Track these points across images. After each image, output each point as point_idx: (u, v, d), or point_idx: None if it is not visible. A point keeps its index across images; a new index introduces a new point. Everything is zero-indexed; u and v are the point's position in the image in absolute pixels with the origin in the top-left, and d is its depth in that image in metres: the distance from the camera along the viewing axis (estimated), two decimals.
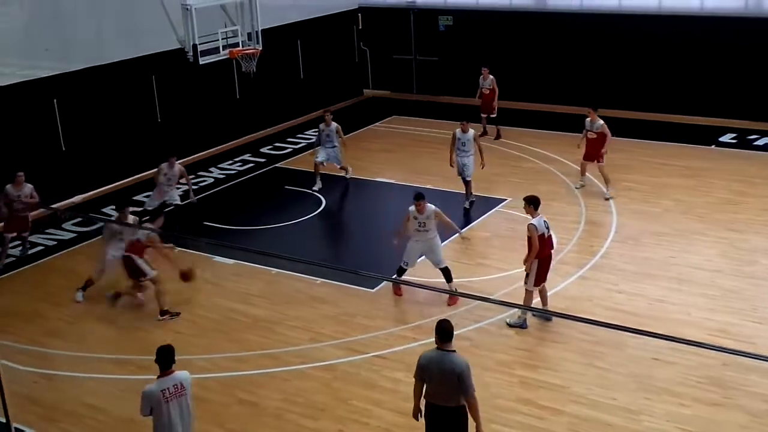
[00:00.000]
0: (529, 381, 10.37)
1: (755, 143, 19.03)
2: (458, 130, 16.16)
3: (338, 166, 17.72)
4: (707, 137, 19.52)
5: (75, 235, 15.53)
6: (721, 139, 19.47)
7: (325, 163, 17.47)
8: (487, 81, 20.10)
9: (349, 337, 11.55)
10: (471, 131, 16.17)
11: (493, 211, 15.79)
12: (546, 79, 22.83)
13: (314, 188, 17.40)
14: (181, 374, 8.05)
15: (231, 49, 17.13)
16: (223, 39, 17.01)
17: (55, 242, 15.35)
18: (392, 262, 13.75)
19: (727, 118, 20.40)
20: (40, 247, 15.13)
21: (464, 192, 16.19)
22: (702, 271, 12.90)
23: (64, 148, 17.20)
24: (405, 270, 12.46)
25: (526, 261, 11.57)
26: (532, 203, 11.65)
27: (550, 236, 11.67)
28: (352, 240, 15.65)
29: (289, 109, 22.21)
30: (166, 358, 8.00)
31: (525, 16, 23.08)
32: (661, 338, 10.25)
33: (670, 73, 21.21)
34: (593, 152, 16.31)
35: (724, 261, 13.38)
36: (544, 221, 11.57)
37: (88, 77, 17.43)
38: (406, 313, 12.08)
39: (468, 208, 16.05)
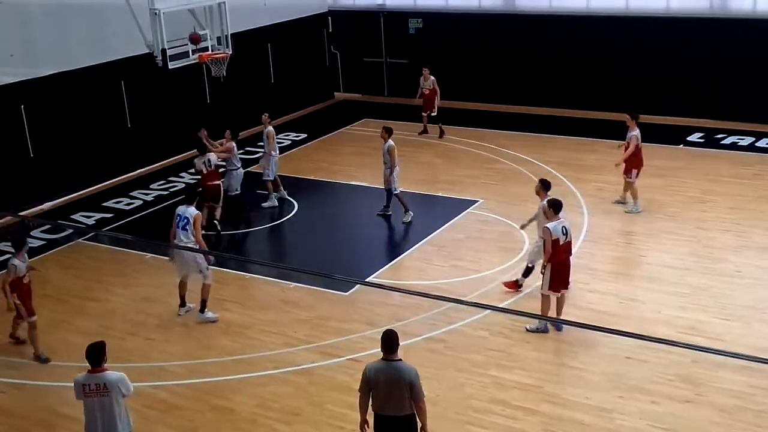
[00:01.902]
0: (502, 381, 10.42)
1: (722, 142, 19.27)
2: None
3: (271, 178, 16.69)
4: (676, 137, 19.73)
5: (44, 242, 15.34)
6: (689, 138, 19.70)
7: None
8: (428, 82, 20.41)
9: (324, 340, 11.53)
10: (386, 143, 15.49)
11: (465, 212, 15.85)
12: (516, 81, 22.95)
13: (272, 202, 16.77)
14: (110, 375, 8.13)
15: (201, 54, 17.04)
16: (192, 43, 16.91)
17: None
18: (365, 266, 13.79)
19: (694, 118, 20.65)
20: (8, 255, 14.88)
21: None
22: (672, 270, 13.04)
23: (32, 155, 17.01)
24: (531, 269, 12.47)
25: (541, 267, 11.45)
26: (552, 206, 11.47)
27: (568, 242, 11.38)
28: (325, 244, 15.62)
29: (261, 114, 22.03)
30: (93, 357, 8.13)
31: (494, 18, 23.20)
32: (633, 337, 10.41)
33: (637, 74, 21.40)
34: (627, 164, 15.49)
35: (693, 259, 13.53)
36: (563, 226, 11.30)
37: (56, 83, 17.25)
38: (380, 316, 12.08)
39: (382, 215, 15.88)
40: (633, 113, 15.54)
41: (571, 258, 11.58)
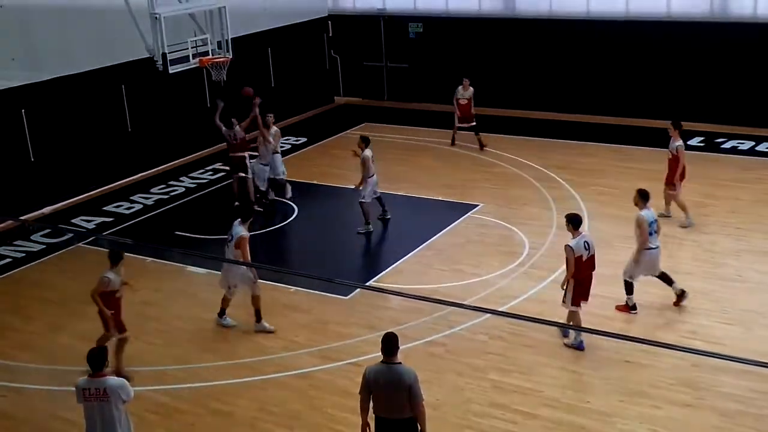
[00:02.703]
0: (502, 385, 10.41)
1: (722, 146, 19.28)
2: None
3: (281, 177, 17.05)
4: None
5: (44, 246, 15.34)
6: (689, 142, 19.62)
7: (284, 174, 17.10)
8: (468, 92, 19.75)
9: (324, 344, 11.52)
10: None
11: (465, 216, 15.85)
12: (516, 85, 22.98)
13: (265, 201, 17.03)
14: (111, 380, 8.14)
15: (201, 58, 17.06)
16: (192, 47, 16.93)
17: (24, 254, 15.16)
18: (365, 270, 13.79)
19: (694, 122, 20.63)
20: (9, 260, 14.94)
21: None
22: (673, 274, 12.99)
23: (32, 159, 17.02)
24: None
25: (563, 282, 11.23)
26: (571, 222, 11.18)
27: (591, 257, 11.14)
28: (325, 247, 15.62)
29: (261, 118, 22.08)
30: (94, 361, 8.13)
31: (494, 22, 23.22)
32: (633, 341, 10.40)
33: (638, 78, 21.44)
34: (669, 176, 14.89)
35: (694, 263, 13.53)
36: (585, 242, 11.05)
37: (57, 87, 17.26)
38: (380, 320, 12.07)
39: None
40: (676, 123, 14.92)
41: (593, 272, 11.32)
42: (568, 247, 11.03)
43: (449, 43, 23.83)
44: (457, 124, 19.93)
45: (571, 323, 11.20)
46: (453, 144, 20.11)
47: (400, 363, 7.99)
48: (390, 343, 8.00)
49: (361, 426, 8.20)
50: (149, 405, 10.31)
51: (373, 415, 8.13)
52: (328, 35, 25.03)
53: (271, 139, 16.59)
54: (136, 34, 15.91)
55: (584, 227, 14.91)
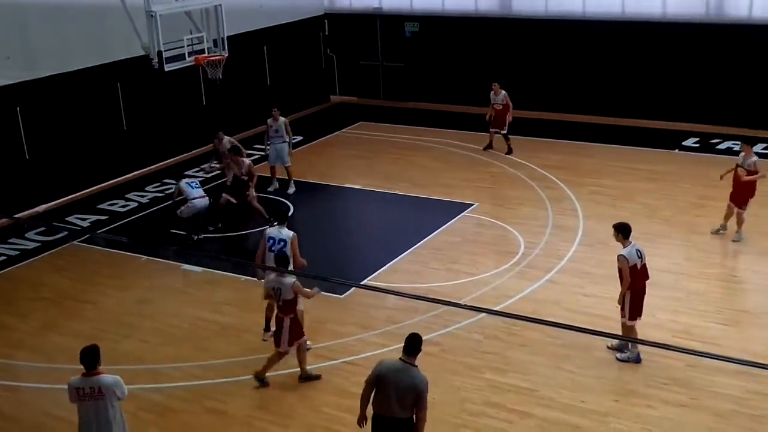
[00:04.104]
0: (497, 385, 10.42)
1: (717, 147, 19.31)
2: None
3: (285, 165, 17.57)
4: (671, 141, 19.79)
5: (38, 244, 15.30)
6: (684, 143, 19.74)
7: (276, 166, 17.58)
8: (500, 96, 19.15)
9: (319, 343, 11.51)
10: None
11: (461, 215, 15.85)
12: (511, 85, 22.90)
13: (269, 189, 17.60)
14: (105, 378, 8.09)
15: (197, 56, 17.03)
16: (188, 46, 16.89)
17: (19, 252, 15.12)
18: (360, 269, 13.79)
19: (690, 123, 20.70)
20: (3, 257, 14.89)
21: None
22: (667, 274, 13.05)
23: (27, 157, 16.97)
24: None
25: (620, 296, 10.69)
26: (621, 231, 10.64)
27: (644, 265, 10.66)
28: (320, 246, 15.59)
29: (256, 116, 22.07)
30: (87, 360, 8.09)
31: (490, 21, 23.23)
32: (628, 341, 10.41)
33: (633, 78, 21.47)
34: (739, 194, 14.10)
35: (688, 263, 13.55)
36: (637, 250, 10.56)
37: (52, 85, 17.21)
38: (375, 320, 12.07)
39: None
40: (747, 139, 14.66)
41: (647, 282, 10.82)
42: (621, 257, 10.48)
43: (445, 43, 23.83)
44: (491, 130, 19.42)
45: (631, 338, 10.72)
46: (486, 149, 19.53)
47: (416, 366, 7.93)
48: (413, 344, 7.94)
49: (359, 417, 8.19)
50: (144, 404, 10.29)
51: (372, 411, 8.10)
52: (324, 34, 25.02)
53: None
54: (131, 31, 15.88)
55: (579, 227, 15.04)
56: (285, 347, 10.34)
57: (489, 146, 19.62)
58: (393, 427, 7.99)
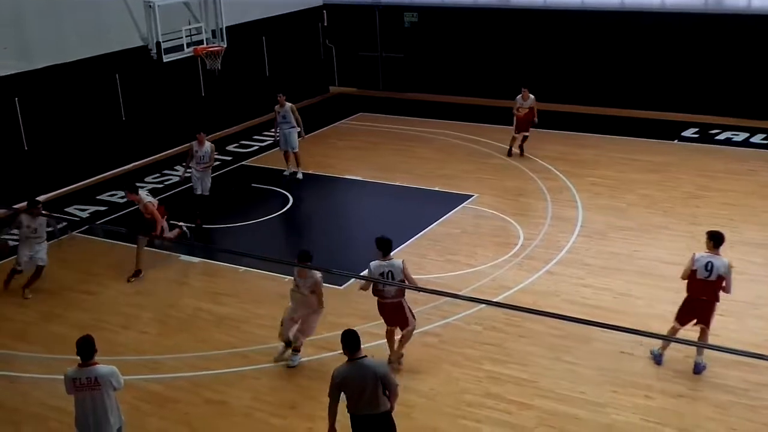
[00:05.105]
0: (497, 376, 10.43)
1: (717, 138, 19.30)
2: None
3: (293, 151, 17.71)
4: (670, 132, 19.78)
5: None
6: (683, 133, 19.73)
7: (289, 150, 17.71)
8: (528, 101, 18.33)
9: (318, 334, 11.49)
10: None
11: (460, 207, 15.85)
12: (510, 75, 22.92)
13: (284, 173, 17.81)
14: (101, 369, 8.10)
15: (195, 47, 17.05)
16: (187, 36, 16.91)
17: (17, 242, 15.07)
18: (359, 260, 13.78)
19: (689, 113, 20.68)
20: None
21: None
22: (666, 265, 13.06)
23: (26, 148, 16.95)
24: None
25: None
26: (713, 239, 10.25)
27: (707, 281, 10.02)
28: (319, 237, 15.60)
29: (255, 107, 22.08)
30: (83, 350, 8.10)
31: (489, 12, 23.18)
32: (627, 332, 10.38)
33: (632, 69, 21.44)
34: None
35: (687, 254, 13.38)
36: (709, 262, 10.00)
37: (51, 76, 17.18)
38: (374, 310, 12.03)
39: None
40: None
41: (715, 301, 10.23)
42: (693, 256, 10.24)
43: (444, 33, 23.78)
44: (514, 134, 18.57)
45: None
46: (510, 155, 18.60)
47: (365, 356, 7.94)
48: (351, 339, 7.91)
49: (329, 430, 8.07)
50: (143, 394, 10.31)
51: (348, 415, 8.03)
52: (323, 25, 24.96)
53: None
54: (130, 22, 15.87)
55: (578, 218, 15.02)
56: (413, 322, 10.50)
57: (510, 153, 18.67)
58: (374, 424, 7.97)
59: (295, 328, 10.76)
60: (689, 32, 20.70)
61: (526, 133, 18.50)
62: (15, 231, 13.32)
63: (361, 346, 8.00)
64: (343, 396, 8.00)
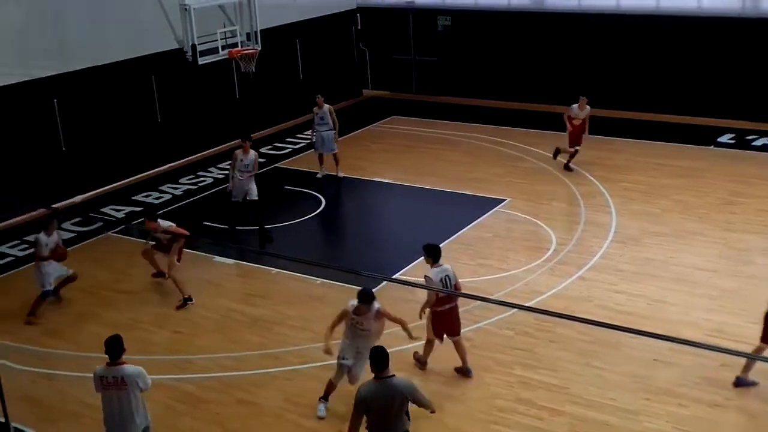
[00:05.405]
0: (528, 381, 10.40)
1: (753, 144, 19.06)
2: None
3: (331, 153, 17.81)
4: (706, 137, 19.56)
5: (74, 234, 15.51)
6: (719, 139, 19.51)
7: (324, 154, 17.78)
8: (584, 111, 17.48)
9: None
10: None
11: (492, 211, 15.82)
12: (544, 79, 22.86)
13: (318, 176, 17.89)
14: (128, 369, 8.15)
15: (230, 50, 17.18)
16: (222, 39, 17.04)
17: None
18: (392, 262, 13.82)
19: (725, 119, 20.45)
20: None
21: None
22: (700, 272, 12.94)
23: (64, 148, 17.21)
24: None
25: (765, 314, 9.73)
26: None
27: None
28: (351, 240, 15.68)
29: (289, 110, 22.22)
30: (111, 349, 8.17)
31: (523, 16, 23.11)
32: (660, 338, 10.28)
33: (668, 74, 21.24)
34: None
35: (722, 261, 13.41)
36: None
37: (88, 77, 17.43)
38: (404, 314, 12.03)
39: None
40: None
41: None
42: None
43: (478, 36, 23.74)
44: (569, 148, 17.62)
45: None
46: (567, 168, 17.73)
47: (393, 376, 7.60)
48: (380, 357, 7.55)
49: None
50: (176, 394, 10.42)
51: None
52: (357, 28, 25.04)
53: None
54: (166, 25, 16.03)
55: (611, 224, 14.91)
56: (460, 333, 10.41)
57: (568, 167, 17.74)
58: None
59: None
60: (726, 36, 20.47)
61: (578, 147, 17.61)
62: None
63: (388, 365, 7.63)
64: None
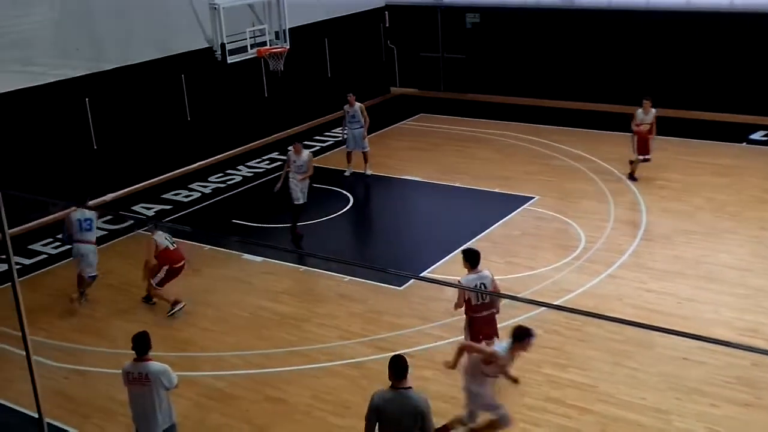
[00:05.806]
0: (557, 380, 10.35)
1: None
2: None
3: (362, 151, 17.88)
4: (738, 134, 19.32)
5: (105, 232, 15.67)
6: (751, 136, 19.26)
7: (355, 151, 17.88)
8: (650, 115, 16.41)
9: (377, 335, 11.58)
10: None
11: (521, 209, 15.75)
12: (574, 77, 22.71)
13: (345, 173, 17.97)
14: (153, 366, 8.24)
15: (259, 48, 17.28)
16: (250, 38, 17.16)
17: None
18: (419, 261, 13.82)
19: (757, 115, 20.17)
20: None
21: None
22: (732, 270, 12.79)
23: (95, 147, 17.40)
24: None
25: None
26: None
27: None
28: (379, 238, 15.68)
29: (317, 108, 22.28)
30: (138, 345, 8.28)
31: (552, 13, 22.98)
32: (691, 338, 10.17)
33: (700, 70, 21.01)
34: None
35: (754, 260, 13.24)
36: None
37: (119, 77, 17.61)
38: (433, 311, 12.07)
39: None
40: None
41: None
42: None
43: (506, 34, 23.65)
44: (638, 157, 16.59)
45: None
46: (632, 178, 16.77)
47: (410, 388, 7.41)
48: (398, 366, 7.34)
49: None
50: (207, 390, 10.50)
51: None
52: (385, 26, 25.05)
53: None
54: (195, 24, 16.14)
55: (642, 222, 14.78)
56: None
57: (632, 177, 16.75)
58: None
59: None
60: (758, 33, 20.20)
61: (648, 156, 16.50)
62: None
63: (407, 376, 7.43)
64: None
